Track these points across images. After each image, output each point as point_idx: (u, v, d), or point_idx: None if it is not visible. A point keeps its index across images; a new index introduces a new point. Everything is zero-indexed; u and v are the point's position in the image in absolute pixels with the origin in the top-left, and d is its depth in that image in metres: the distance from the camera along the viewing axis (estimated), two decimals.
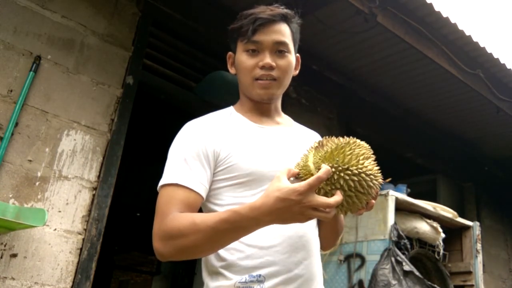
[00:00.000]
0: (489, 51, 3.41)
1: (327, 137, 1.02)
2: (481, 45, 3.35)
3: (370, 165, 0.96)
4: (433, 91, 3.88)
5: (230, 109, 1.31)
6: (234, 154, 1.14)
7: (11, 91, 2.32)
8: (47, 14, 2.52)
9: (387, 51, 3.41)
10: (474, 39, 3.31)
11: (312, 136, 1.36)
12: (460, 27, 3.21)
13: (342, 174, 0.91)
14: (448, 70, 3.36)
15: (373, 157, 1.00)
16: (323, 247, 1.29)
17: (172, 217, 1.03)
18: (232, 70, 1.31)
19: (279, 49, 1.21)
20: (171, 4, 3.03)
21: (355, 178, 0.91)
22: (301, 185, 0.88)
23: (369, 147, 1.01)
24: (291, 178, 0.93)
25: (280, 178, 0.92)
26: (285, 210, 0.89)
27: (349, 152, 0.94)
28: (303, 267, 1.11)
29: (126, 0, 2.84)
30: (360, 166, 0.93)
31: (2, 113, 2.27)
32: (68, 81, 2.51)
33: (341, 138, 1.00)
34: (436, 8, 3.04)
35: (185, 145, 1.15)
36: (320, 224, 1.26)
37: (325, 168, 0.89)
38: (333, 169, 0.91)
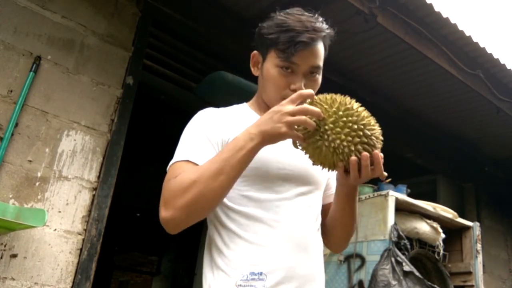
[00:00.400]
0: (489, 51, 3.41)
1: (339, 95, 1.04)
2: (481, 45, 3.35)
3: (366, 120, 0.97)
4: (433, 92, 3.87)
5: (244, 106, 1.31)
6: None
7: (11, 91, 2.32)
8: (47, 14, 2.52)
9: (387, 51, 3.41)
10: (474, 40, 3.31)
11: None
12: (460, 28, 3.21)
13: (326, 107, 0.97)
14: (448, 70, 3.36)
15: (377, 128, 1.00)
16: (335, 247, 1.30)
17: (179, 176, 1.05)
18: (254, 71, 1.28)
19: (312, 71, 1.20)
20: (171, 4, 3.03)
21: (341, 113, 0.95)
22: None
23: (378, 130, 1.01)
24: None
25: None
26: (268, 120, 0.99)
27: (346, 105, 0.97)
28: (305, 267, 1.11)
29: (126, 0, 2.84)
30: (355, 118, 0.95)
31: (2, 113, 2.27)
32: (68, 81, 2.51)
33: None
34: (436, 9, 3.04)
35: (196, 129, 1.17)
36: (331, 226, 1.25)
37: (308, 90, 1.00)
38: (320, 104, 0.98)
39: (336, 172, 1.04)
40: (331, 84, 3.78)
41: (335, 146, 0.94)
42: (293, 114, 0.97)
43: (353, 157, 0.94)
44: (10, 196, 2.21)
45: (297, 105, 1.00)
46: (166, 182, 1.07)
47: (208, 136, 1.15)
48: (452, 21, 3.16)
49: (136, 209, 6.50)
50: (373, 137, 0.95)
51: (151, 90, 3.05)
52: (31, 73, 2.37)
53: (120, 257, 9.36)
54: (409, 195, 3.33)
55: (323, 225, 1.27)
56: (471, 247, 3.35)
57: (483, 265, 3.75)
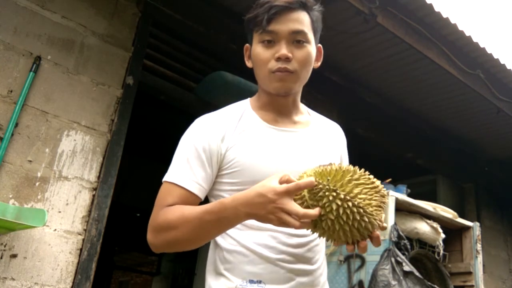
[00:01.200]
0: (489, 51, 3.41)
1: (349, 165, 0.96)
2: (481, 45, 3.36)
3: (367, 201, 0.90)
4: (433, 92, 3.87)
5: (245, 104, 1.24)
6: (240, 159, 1.12)
7: (11, 91, 2.32)
8: (47, 14, 2.52)
9: (387, 51, 3.41)
10: (474, 40, 3.31)
11: (331, 130, 1.31)
12: (460, 28, 3.21)
13: (327, 193, 0.89)
14: (448, 70, 3.36)
15: (381, 200, 0.94)
16: None
17: (165, 210, 1.06)
18: (249, 64, 1.24)
19: (296, 39, 1.12)
20: (171, 4, 3.03)
21: (339, 203, 0.88)
22: (280, 186, 0.90)
23: (384, 193, 0.95)
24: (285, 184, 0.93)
25: (272, 178, 0.94)
26: (261, 206, 0.91)
27: (348, 178, 0.91)
28: (305, 275, 1.11)
29: (126, 0, 2.84)
30: (352, 194, 0.89)
31: (2, 113, 2.27)
32: (68, 81, 2.51)
33: (357, 168, 0.95)
34: (436, 9, 3.04)
35: (190, 143, 1.14)
36: None
37: (308, 179, 0.89)
38: (321, 186, 0.90)
39: None
40: (331, 84, 3.78)
41: (334, 238, 0.92)
42: (290, 213, 0.89)
43: (349, 246, 0.93)
44: (10, 196, 2.21)
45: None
46: (156, 205, 1.10)
47: (202, 152, 1.12)
48: (452, 21, 3.16)
49: (136, 209, 6.50)
50: (369, 224, 0.90)
51: (151, 90, 3.05)
52: (31, 73, 2.37)
53: (120, 257, 9.36)
54: (409, 195, 3.33)
55: None
56: (471, 247, 3.35)
57: (483, 265, 3.75)
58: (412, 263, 2.84)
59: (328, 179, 0.90)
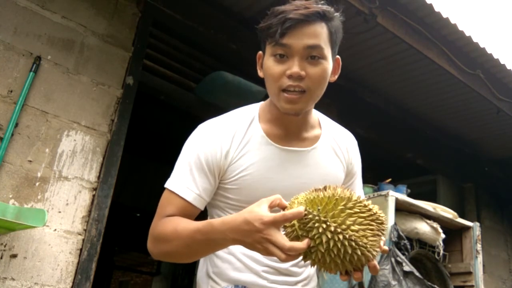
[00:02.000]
0: (489, 51, 3.41)
1: (344, 189, 0.91)
2: (481, 45, 3.35)
3: (361, 232, 0.85)
4: (433, 92, 3.87)
5: (254, 113, 1.17)
6: (239, 178, 1.10)
7: (11, 91, 2.32)
8: (47, 14, 2.52)
9: (387, 51, 3.41)
10: (474, 40, 3.31)
11: (341, 143, 1.25)
12: (460, 28, 3.21)
13: (316, 224, 0.84)
14: (448, 70, 3.36)
15: (378, 228, 0.89)
16: None
17: (162, 221, 1.08)
18: (260, 73, 1.15)
19: (311, 54, 1.04)
20: (171, 4, 3.03)
21: (329, 236, 0.83)
22: (267, 215, 0.85)
23: (382, 219, 0.90)
24: (276, 208, 0.89)
25: (261, 203, 0.89)
26: (247, 234, 0.88)
27: (340, 207, 0.86)
28: (290, 286, 1.15)
29: (126, 0, 2.84)
30: (344, 226, 0.84)
31: (2, 113, 2.27)
32: (68, 81, 2.51)
33: (353, 195, 0.89)
34: (436, 9, 3.04)
35: (195, 152, 1.11)
36: None
37: (296, 209, 0.85)
38: (311, 216, 0.85)
39: None
40: (331, 84, 3.77)
41: (326, 268, 0.89)
42: (276, 245, 0.85)
43: (343, 277, 0.89)
44: (10, 196, 2.21)
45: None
46: (158, 212, 1.12)
47: (204, 164, 1.10)
48: (452, 21, 3.16)
49: (136, 209, 6.50)
50: (363, 256, 0.86)
51: (151, 90, 3.05)
52: (31, 73, 2.37)
53: (120, 257, 9.36)
54: (409, 195, 3.33)
55: None
56: (471, 247, 3.35)
57: (483, 265, 3.75)
58: (412, 263, 2.84)
59: (319, 209, 0.86)
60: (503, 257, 5.08)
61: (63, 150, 2.41)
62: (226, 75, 3.07)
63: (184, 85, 3.20)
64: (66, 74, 2.51)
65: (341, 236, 0.83)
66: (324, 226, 0.84)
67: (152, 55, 3.05)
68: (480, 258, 3.32)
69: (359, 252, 0.84)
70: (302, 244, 0.84)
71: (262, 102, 1.21)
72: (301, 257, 0.99)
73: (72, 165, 2.41)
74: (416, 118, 4.34)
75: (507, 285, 4.93)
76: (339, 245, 0.83)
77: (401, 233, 2.89)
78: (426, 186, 4.86)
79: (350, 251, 0.84)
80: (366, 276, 2.84)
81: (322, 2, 1.08)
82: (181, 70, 3.23)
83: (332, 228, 0.83)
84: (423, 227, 3.12)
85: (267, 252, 0.87)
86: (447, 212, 3.31)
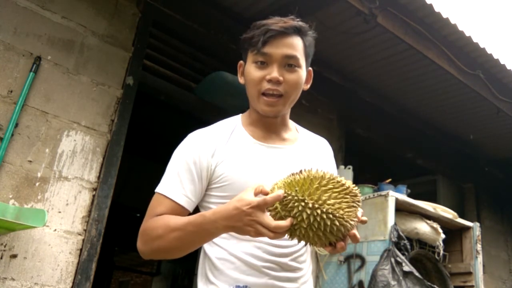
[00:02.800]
0: (489, 51, 3.41)
1: (317, 170, 0.99)
2: (481, 45, 3.35)
3: (337, 205, 0.94)
4: (433, 92, 3.87)
5: (236, 120, 1.29)
6: (229, 174, 1.17)
7: (11, 91, 2.32)
8: (47, 14, 2.52)
9: (387, 52, 3.41)
10: (474, 40, 3.31)
11: (317, 145, 1.36)
12: (460, 28, 3.21)
13: (296, 204, 0.93)
14: (448, 71, 3.36)
15: (353, 200, 0.97)
16: None
17: (152, 220, 1.13)
18: (241, 80, 1.29)
19: (288, 63, 1.17)
20: (171, 5, 3.03)
21: (308, 212, 0.92)
22: (254, 200, 0.95)
23: (356, 192, 0.98)
24: (260, 195, 0.97)
25: (248, 190, 0.98)
26: (237, 219, 0.96)
27: (315, 186, 0.95)
28: (290, 283, 1.16)
29: (126, 1, 2.84)
30: (320, 202, 0.93)
31: (2, 113, 2.27)
32: (68, 81, 2.51)
33: (326, 173, 0.98)
34: (436, 9, 3.04)
35: (181, 157, 1.20)
36: None
37: (276, 193, 0.94)
38: (290, 197, 0.94)
39: None
40: (332, 84, 3.78)
41: (311, 242, 0.97)
42: (263, 226, 0.94)
43: (328, 248, 0.98)
44: (10, 196, 2.21)
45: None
46: (147, 214, 1.16)
47: (192, 166, 1.17)
48: (452, 22, 3.15)
49: (136, 210, 6.49)
50: (344, 228, 0.95)
51: (151, 91, 3.05)
52: (31, 73, 2.37)
53: (120, 258, 9.35)
54: (409, 195, 3.33)
55: None
56: (471, 247, 3.35)
57: (483, 266, 3.75)
58: (412, 263, 2.84)
59: (296, 190, 0.95)
60: (503, 257, 5.08)
61: (63, 150, 2.41)
62: (226, 75, 3.06)
63: (184, 85, 3.20)
64: (66, 74, 2.51)
65: (319, 211, 0.92)
66: (303, 204, 0.93)
67: (152, 55, 3.05)
68: (480, 258, 3.32)
69: (337, 223, 0.93)
70: (286, 222, 0.93)
71: (241, 114, 1.33)
72: (298, 253, 1.18)
73: (72, 165, 2.42)
74: (416, 118, 4.35)
75: (507, 285, 4.93)
76: (318, 219, 0.92)
77: (401, 233, 2.89)
78: (426, 186, 4.87)
79: (329, 223, 0.93)
80: (366, 276, 2.84)
81: (298, 19, 1.22)
82: (181, 70, 3.23)
83: (310, 205, 0.93)
84: (423, 227, 3.12)
85: (256, 233, 0.95)
86: (447, 212, 3.31)
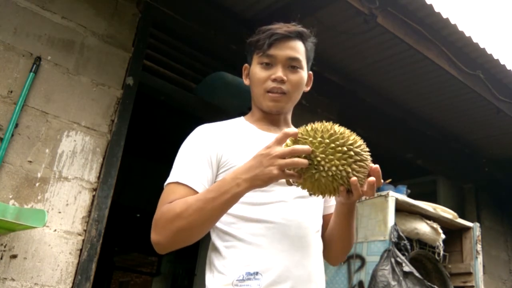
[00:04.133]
0: (489, 52, 3.41)
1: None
2: (481, 46, 3.35)
3: (352, 140, 0.98)
4: (433, 92, 3.88)
5: (241, 119, 1.36)
6: (235, 157, 1.18)
7: (11, 92, 2.32)
8: (47, 15, 2.52)
9: (387, 52, 3.41)
10: (474, 40, 3.31)
11: None
12: (460, 28, 3.21)
13: (311, 139, 0.97)
14: (448, 71, 3.36)
15: (364, 145, 1.01)
16: (334, 260, 1.32)
17: (168, 205, 1.10)
18: (246, 81, 1.37)
19: (291, 64, 1.25)
20: (171, 5, 3.04)
21: (327, 141, 0.96)
22: (270, 143, 0.99)
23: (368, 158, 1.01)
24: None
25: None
26: (258, 164, 0.99)
27: (330, 131, 0.98)
28: (301, 267, 1.13)
29: (126, 1, 2.84)
30: (333, 137, 0.96)
31: (2, 114, 2.27)
32: (68, 82, 2.51)
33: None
34: (436, 9, 3.04)
35: (191, 147, 1.22)
36: (330, 240, 1.26)
37: (292, 128, 0.99)
38: (305, 136, 0.98)
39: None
40: (332, 84, 3.78)
41: (333, 174, 0.96)
42: (283, 156, 0.97)
43: (353, 178, 0.96)
44: (10, 196, 2.21)
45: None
46: (159, 205, 1.13)
47: (203, 154, 1.19)
48: (452, 22, 3.16)
49: (136, 210, 6.50)
50: (363, 153, 0.99)
51: (151, 91, 3.05)
52: (31, 73, 2.37)
53: (120, 258, 9.36)
54: (409, 195, 3.33)
55: (322, 238, 1.28)
56: (471, 247, 3.35)
57: (483, 266, 3.75)
58: (412, 264, 2.84)
59: (312, 131, 1.00)
60: (503, 258, 5.08)
61: (63, 150, 2.41)
62: (226, 75, 3.07)
63: (184, 86, 3.20)
64: (66, 74, 2.51)
65: (336, 143, 0.96)
66: (320, 139, 0.97)
67: (152, 55, 3.05)
68: (480, 259, 3.32)
69: (353, 152, 0.96)
70: (306, 146, 0.97)
71: (243, 116, 1.38)
72: (312, 228, 1.19)
73: (72, 165, 2.41)
74: (416, 119, 4.35)
75: (507, 286, 4.93)
76: (334, 145, 0.96)
77: (401, 233, 2.89)
78: (426, 186, 4.87)
79: (346, 149, 0.96)
80: (366, 276, 2.84)
81: (300, 25, 1.31)
82: (181, 71, 3.23)
83: (327, 140, 0.97)
84: (423, 228, 3.12)
85: (280, 168, 0.96)
86: (447, 213, 3.31)
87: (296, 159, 0.95)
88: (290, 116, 1.38)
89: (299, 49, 1.27)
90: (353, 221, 1.22)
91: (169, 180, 1.17)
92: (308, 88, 1.37)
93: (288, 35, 1.25)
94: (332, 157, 0.95)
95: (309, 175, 0.97)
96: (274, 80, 1.24)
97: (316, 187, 0.98)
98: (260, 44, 1.26)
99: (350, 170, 0.96)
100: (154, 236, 1.09)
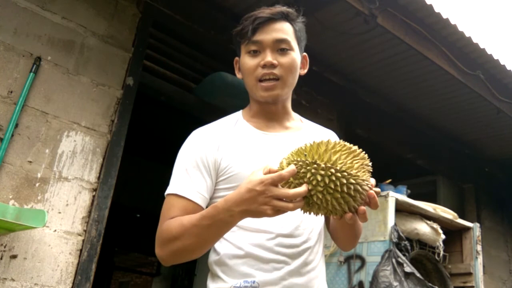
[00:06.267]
0: (489, 52, 3.41)
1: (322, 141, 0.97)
2: (481, 46, 3.35)
3: (348, 164, 0.92)
4: (433, 92, 3.88)
5: (238, 115, 1.30)
6: (235, 164, 1.16)
7: (11, 92, 2.32)
8: (47, 15, 2.52)
9: (387, 52, 3.41)
10: (475, 41, 3.31)
11: (323, 134, 1.32)
12: (460, 29, 3.21)
13: (308, 168, 0.91)
14: (448, 71, 3.36)
15: (362, 162, 0.95)
16: (343, 248, 1.29)
17: (167, 223, 1.09)
18: (239, 75, 1.31)
19: (280, 47, 1.18)
20: (171, 5, 3.04)
21: (322, 173, 0.90)
22: (265, 177, 0.92)
23: (363, 155, 0.97)
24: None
25: (256, 172, 0.96)
26: (252, 201, 0.93)
27: (323, 148, 0.93)
28: (300, 276, 1.12)
29: (126, 1, 2.84)
30: (331, 162, 0.90)
31: (2, 114, 2.27)
32: (68, 82, 2.51)
33: (334, 141, 0.97)
34: (437, 10, 3.04)
35: (188, 155, 1.18)
36: (337, 227, 1.23)
37: (290, 167, 0.92)
38: (301, 163, 0.92)
39: None
40: (332, 85, 3.78)
41: (330, 209, 0.93)
42: (278, 198, 0.92)
43: (349, 214, 0.93)
44: (10, 197, 2.21)
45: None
46: (161, 219, 1.13)
47: (200, 162, 1.16)
48: (452, 22, 3.16)
49: (136, 210, 6.49)
50: (363, 190, 0.92)
51: (151, 91, 3.05)
52: (31, 74, 2.37)
53: (120, 258, 9.35)
54: (409, 196, 3.33)
55: (328, 230, 1.27)
56: (471, 248, 3.35)
57: (483, 266, 3.75)
58: (412, 264, 2.83)
59: (305, 155, 0.93)
60: (503, 258, 5.08)
61: (63, 150, 2.40)
62: (226, 76, 3.07)
63: (184, 86, 3.20)
64: (66, 74, 2.51)
65: (332, 170, 0.90)
66: (315, 166, 0.91)
67: (152, 55, 3.05)
68: (480, 259, 3.32)
69: (352, 181, 0.90)
70: (303, 187, 0.90)
71: (242, 110, 1.33)
72: (309, 241, 1.15)
73: (72, 165, 2.41)
74: (416, 119, 4.35)
75: (507, 286, 4.93)
76: (334, 179, 0.89)
77: (401, 233, 2.89)
78: (426, 186, 4.87)
79: (345, 181, 0.89)
80: (366, 276, 2.84)
81: (286, 6, 1.24)
82: (181, 71, 3.23)
83: (323, 165, 0.90)
84: (423, 228, 3.11)
85: (275, 210, 0.92)
86: (447, 213, 3.30)
87: (291, 206, 0.91)
88: (289, 103, 1.31)
89: (286, 30, 1.20)
90: (358, 226, 1.20)
91: (168, 190, 1.16)
92: (305, 71, 1.31)
93: (272, 17, 1.18)
94: (329, 197, 0.91)
95: (307, 202, 0.95)
96: (264, 66, 1.17)
97: (315, 209, 0.96)
98: (244, 32, 1.20)
99: (347, 209, 0.93)
100: (158, 251, 1.11)
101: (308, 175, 0.91)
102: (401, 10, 3.02)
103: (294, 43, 1.21)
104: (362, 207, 0.93)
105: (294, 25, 1.23)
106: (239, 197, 0.95)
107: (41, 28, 2.49)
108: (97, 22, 2.69)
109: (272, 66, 1.17)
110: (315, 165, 0.91)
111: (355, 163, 0.93)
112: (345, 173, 0.90)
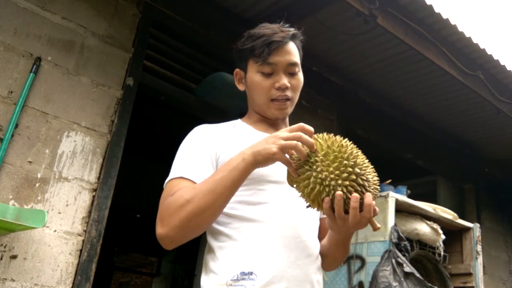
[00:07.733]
0: (489, 52, 3.41)
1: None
2: (481, 46, 3.35)
3: (361, 160, 0.97)
4: (433, 93, 3.88)
5: (238, 121, 1.35)
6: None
7: (11, 92, 2.32)
8: (47, 15, 2.52)
9: (387, 52, 3.41)
10: (475, 41, 3.31)
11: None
12: (461, 29, 3.21)
13: (324, 142, 0.98)
14: (448, 71, 3.36)
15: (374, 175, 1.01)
16: (326, 267, 1.28)
17: (177, 193, 1.08)
18: (240, 87, 1.37)
19: (292, 69, 1.26)
20: (171, 5, 3.04)
21: (336, 150, 0.95)
22: (292, 127, 1.03)
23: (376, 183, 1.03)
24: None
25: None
26: (263, 142, 1.04)
27: (346, 143, 0.99)
28: (297, 268, 1.11)
29: (126, 1, 2.84)
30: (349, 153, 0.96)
31: (2, 114, 2.27)
32: (68, 82, 2.51)
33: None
34: (437, 10, 3.04)
35: (192, 144, 1.21)
36: (323, 254, 1.24)
37: (311, 128, 1.01)
38: (321, 141, 0.98)
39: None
40: (332, 85, 3.78)
41: (322, 177, 0.93)
42: (286, 139, 1.00)
43: (339, 192, 0.92)
44: (10, 197, 2.21)
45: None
46: (162, 200, 1.11)
47: (204, 150, 1.18)
48: (452, 22, 3.15)
49: (136, 210, 6.49)
50: (363, 177, 0.94)
51: (151, 91, 3.05)
52: (31, 74, 2.37)
53: (120, 258, 9.35)
54: (409, 196, 3.33)
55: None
56: (471, 248, 3.35)
57: (483, 266, 3.75)
58: (412, 264, 2.84)
59: (326, 139, 1.00)
60: (503, 258, 5.08)
61: (63, 151, 2.41)
62: (226, 76, 3.06)
63: (184, 86, 3.20)
64: (66, 75, 2.51)
65: (345, 160, 0.94)
66: (329, 144, 0.99)
67: (152, 56, 3.05)
68: (480, 259, 3.32)
69: (358, 170, 0.94)
70: (311, 141, 0.99)
71: (240, 118, 1.38)
72: (308, 232, 1.18)
73: (72, 166, 2.41)
74: (416, 119, 4.35)
75: (507, 286, 4.93)
76: (345, 162, 0.94)
77: (401, 234, 2.89)
78: (426, 187, 4.86)
79: (349, 166, 0.94)
80: (366, 277, 2.84)
81: (287, 25, 1.31)
82: (181, 71, 3.23)
83: (336, 149, 0.96)
84: (423, 228, 3.11)
85: (279, 147, 0.99)
86: (447, 213, 3.31)
87: (295, 143, 0.98)
88: (287, 116, 1.38)
89: (295, 52, 1.28)
90: (348, 244, 1.23)
91: (170, 176, 1.14)
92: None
93: (285, 41, 1.25)
94: (329, 162, 0.93)
95: (302, 171, 0.97)
96: (279, 88, 1.24)
97: (305, 188, 0.96)
98: (257, 52, 1.24)
99: (340, 183, 0.92)
100: (161, 230, 1.06)
101: (322, 142, 0.98)
102: (401, 11, 3.02)
103: (299, 64, 1.30)
104: (355, 195, 0.95)
105: (298, 44, 1.31)
106: (254, 143, 1.06)
107: (41, 28, 2.49)
108: (97, 22, 2.69)
109: (286, 88, 1.25)
110: (328, 144, 0.97)
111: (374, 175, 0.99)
112: (357, 164, 0.94)
